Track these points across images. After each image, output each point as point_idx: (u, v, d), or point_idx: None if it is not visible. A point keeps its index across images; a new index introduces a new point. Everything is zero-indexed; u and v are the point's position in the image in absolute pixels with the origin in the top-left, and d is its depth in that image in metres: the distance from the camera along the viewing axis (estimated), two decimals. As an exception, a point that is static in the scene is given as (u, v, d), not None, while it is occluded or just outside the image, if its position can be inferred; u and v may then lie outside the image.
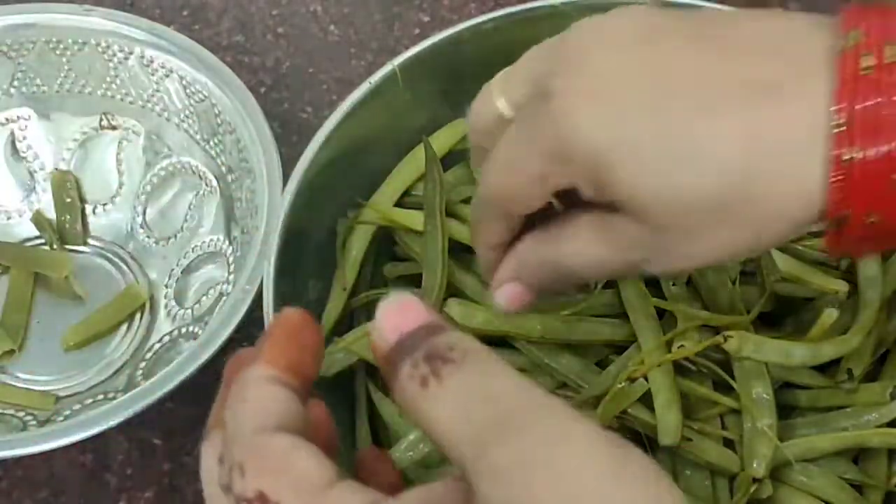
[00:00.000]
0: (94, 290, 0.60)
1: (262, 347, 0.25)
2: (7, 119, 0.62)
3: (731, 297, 0.48)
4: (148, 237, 0.62)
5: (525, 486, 0.19)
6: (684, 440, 0.44)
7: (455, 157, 0.55)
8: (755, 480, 0.44)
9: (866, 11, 0.29)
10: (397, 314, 0.24)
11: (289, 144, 0.63)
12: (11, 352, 0.57)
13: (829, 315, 0.45)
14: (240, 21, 0.72)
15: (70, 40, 0.61)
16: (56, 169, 0.63)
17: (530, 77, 0.34)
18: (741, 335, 0.45)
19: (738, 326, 0.46)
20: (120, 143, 0.63)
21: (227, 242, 0.59)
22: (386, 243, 0.54)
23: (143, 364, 0.57)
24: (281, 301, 0.47)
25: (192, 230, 0.61)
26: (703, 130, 0.29)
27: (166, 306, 0.60)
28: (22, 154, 0.63)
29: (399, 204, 0.54)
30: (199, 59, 0.59)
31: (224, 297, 0.56)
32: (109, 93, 0.62)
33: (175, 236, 0.61)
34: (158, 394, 0.47)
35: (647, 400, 0.46)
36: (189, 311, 0.58)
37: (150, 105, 0.62)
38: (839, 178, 0.28)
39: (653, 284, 0.48)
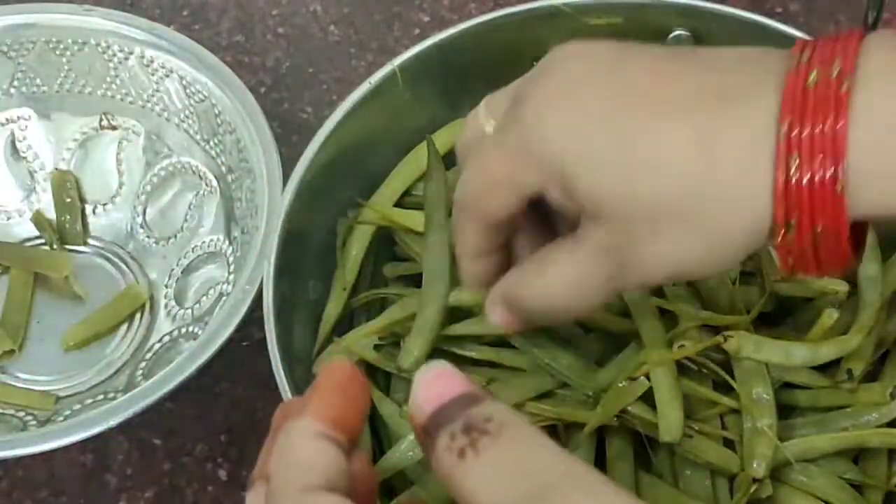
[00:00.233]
0: (94, 290, 0.60)
1: (309, 398, 0.26)
2: (7, 119, 0.62)
3: (731, 297, 0.48)
4: (148, 237, 0.62)
5: None
6: (685, 437, 0.44)
7: (455, 157, 0.55)
8: (755, 480, 0.44)
9: (818, 39, 0.31)
10: (434, 384, 0.24)
11: (289, 144, 0.63)
12: (11, 352, 0.57)
13: (829, 315, 0.45)
14: (240, 21, 0.72)
15: (70, 40, 0.61)
16: (56, 169, 0.63)
17: (511, 93, 0.35)
18: (741, 335, 0.45)
19: (739, 326, 0.46)
20: (120, 143, 0.63)
21: (227, 242, 0.59)
22: (386, 243, 0.54)
23: (143, 364, 0.57)
24: (281, 301, 0.47)
25: (192, 230, 0.61)
26: (658, 136, 0.30)
27: (166, 306, 0.60)
28: (22, 154, 0.63)
29: (399, 204, 0.54)
30: (199, 59, 0.59)
31: (224, 297, 0.56)
32: (109, 93, 0.62)
33: (175, 236, 0.61)
34: (158, 394, 0.47)
35: (646, 399, 0.46)
36: (189, 311, 0.58)
37: (150, 105, 0.62)
38: (786, 183, 0.29)
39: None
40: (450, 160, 0.54)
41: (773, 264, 0.48)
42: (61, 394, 0.56)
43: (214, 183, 0.60)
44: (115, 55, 0.61)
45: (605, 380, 0.46)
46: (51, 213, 0.62)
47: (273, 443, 0.26)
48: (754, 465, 0.44)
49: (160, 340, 0.58)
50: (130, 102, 0.62)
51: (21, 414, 0.55)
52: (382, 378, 0.50)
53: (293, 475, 0.24)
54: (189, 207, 0.61)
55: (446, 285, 0.47)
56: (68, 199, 0.62)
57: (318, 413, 0.25)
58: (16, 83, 0.62)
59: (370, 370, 0.50)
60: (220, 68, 0.59)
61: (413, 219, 0.52)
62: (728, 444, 0.46)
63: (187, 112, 0.61)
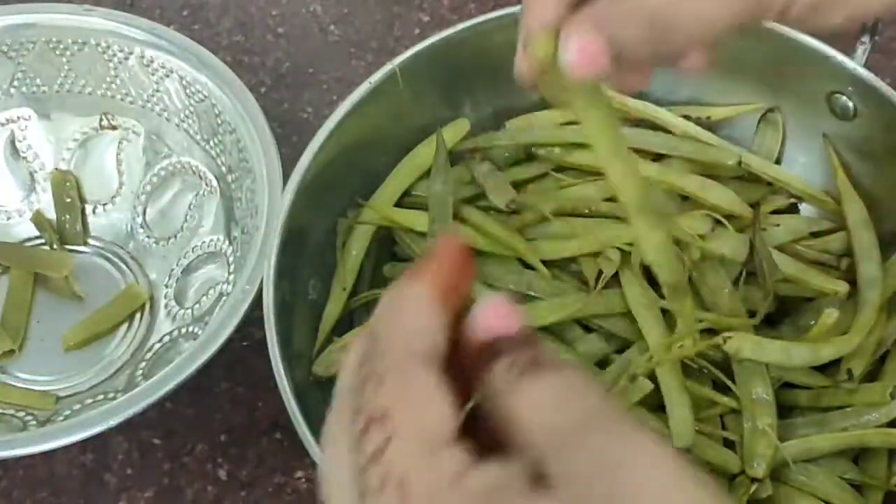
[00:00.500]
0: (94, 290, 0.60)
1: (425, 267, 0.26)
2: (7, 119, 0.62)
3: (731, 298, 0.48)
4: (148, 237, 0.62)
5: (602, 481, 0.21)
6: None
7: (455, 157, 0.55)
8: (755, 480, 0.44)
9: None
10: (503, 317, 0.24)
11: (289, 144, 0.63)
12: (11, 352, 0.57)
13: (829, 315, 0.45)
14: (240, 21, 0.72)
15: (70, 40, 0.61)
16: (56, 169, 0.63)
17: None
18: (741, 336, 0.45)
19: (742, 329, 0.46)
20: (120, 143, 0.63)
21: (227, 242, 0.59)
22: (386, 243, 0.54)
23: (143, 364, 0.57)
24: (281, 301, 0.47)
25: (192, 230, 0.61)
26: None
27: (166, 306, 0.60)
28: (22, 154, 0.63)
29: (399, 204, 0.54)
30: (199, 59, 0.59)
31: (224, 297, 0.56)
32: (109, 93, 0.62)
33: (175, 236, 0.61)
34: (158, 394, 0.47)
35: (645, 402, 0.46)
36: (189, 311, 0.58)
37: (150, 105, 0.62)
38: None
39: (653, 286, 0.48)
40: (450, 161, 0.54)
41: (773, 265, 0.48)
42: (61, 394, 0.56)
43: (214, 183, 0.60)
44: (115, 55, 0.61)
45: (606, 380, 0.46)
46: (51, 213, 0.62)
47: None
48: (754, 465, 0.44)
49: (160, 340, 0.58)
50: (130, 102, 0.62)
51: (21, 414, 0.55)
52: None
53: (399, 337, 0.24)
54: (189, 207, 0.61)
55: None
56: (68, 199, 0.62)
57: (434, 281, 0.25)
58: (16, 83, 0.62)
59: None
60: (220, 68, 0.59)
61: (413, 219, 0.52)
62: (728, 444, 0.46)
63: (187, 112, 0.61)
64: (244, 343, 0.57)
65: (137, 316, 0.59)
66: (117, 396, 0.52)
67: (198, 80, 0.59)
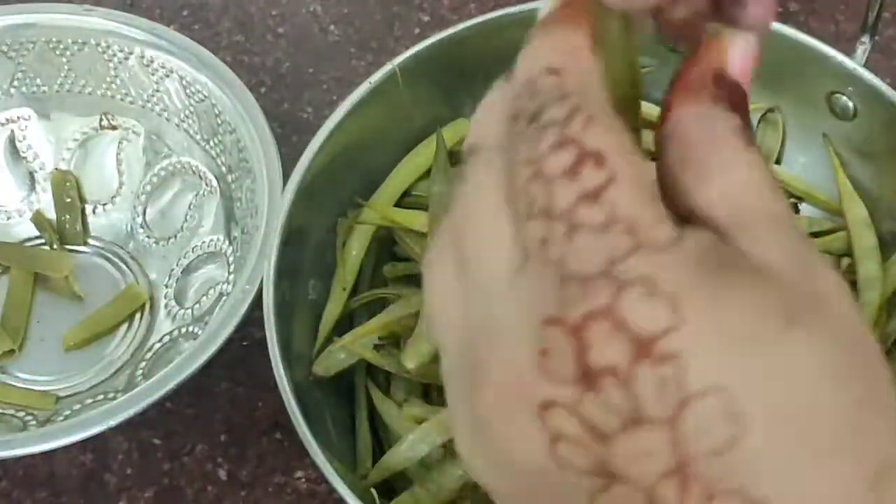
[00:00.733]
0: (94, 290, 0.60)
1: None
2: (7, 119, 0.62)
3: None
4: (148, 237, 0.62)
5: None
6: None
7: (455, 157, 0.55)
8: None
9: None
10: (746, 72, 0.24)
11: (289, 144, 0.63)
12: (11, 352, 0.57)
13: (829, 315, 0.45)
14: (240, 21, 0.72)
15: (70, 40, 0.61)
16: (56, 169, 0.63)
17: None
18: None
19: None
20: (120, 143, 0.63)
21: (227, 242, 0.59)
22: (386, 243, 0.54)
23: (143, 364, 0.57)
24: (281, 301, 0.47)
25: (192, 230, 0.61)
26: None
27: (166, 306, 0.60)
28: (22, 154, 0.63)
29: (399, 204, 0.54)
30: (199, 59, 0.59)
31: (224, 297, 0.56)
32: (109, 93, 0.62)
33: (175, 236, 0.61)
34: (158, 394, 0.47)
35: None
36: (189, 311, 0.58)
37: (150, 105, 0.62)
38: None
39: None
40: (450, 161, 0.54)
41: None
42: (61, 394, 0.56)
43: (214, 183, 0.60)
44: (115, 55, 0.61)
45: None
46: (51, 213, 0.62)
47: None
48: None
49: (160, 340, 0.58)
50: (130, 102, 0.62)
51: (21, 414, 0.55)
52: (382, 378, 0.50)
53: (593, 81, 0.22)
54: (189, 207, 0.61)
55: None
56: (68, 199, 0.62)
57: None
58: (16, 83, 0.62)
59: (370, 370, 0.51)
60: (220, 68, 0.59)
61: (413, 219, 0.52)
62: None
63: (187, 112, 0.61)
64: (244, 343, 0.57)
65: (137, 316, 0.59)
66: (117, 396, 0.52)
67: (198, 80, 0.59)
